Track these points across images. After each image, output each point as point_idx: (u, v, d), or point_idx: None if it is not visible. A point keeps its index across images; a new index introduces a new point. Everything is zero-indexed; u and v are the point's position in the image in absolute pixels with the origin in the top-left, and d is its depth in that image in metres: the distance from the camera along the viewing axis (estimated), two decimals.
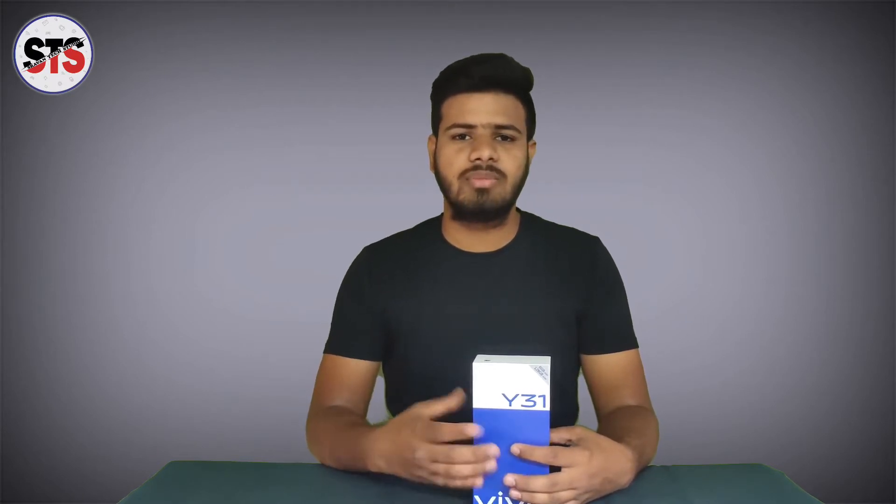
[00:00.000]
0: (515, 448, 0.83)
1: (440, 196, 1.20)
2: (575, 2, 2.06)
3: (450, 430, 0.84)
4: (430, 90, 1.20)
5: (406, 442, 0.87)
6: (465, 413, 0.86)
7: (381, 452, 0.91)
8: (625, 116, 2.06)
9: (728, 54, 2.05)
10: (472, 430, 0.83)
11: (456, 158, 1.12)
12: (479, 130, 1.10)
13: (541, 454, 0.83)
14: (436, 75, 1.19)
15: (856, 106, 2.06)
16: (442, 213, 1.24)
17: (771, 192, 2.09)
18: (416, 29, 2.03)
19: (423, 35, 2.02)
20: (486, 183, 1.10)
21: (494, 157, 1.10)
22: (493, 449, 0.82)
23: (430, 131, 1.21)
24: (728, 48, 2.05)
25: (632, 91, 2.06)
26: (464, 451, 0.83)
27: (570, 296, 1.18)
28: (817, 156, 2.08)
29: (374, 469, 0.92)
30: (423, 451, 0.85)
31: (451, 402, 0.87)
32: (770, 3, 2.04)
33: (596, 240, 1.25)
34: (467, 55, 1.16)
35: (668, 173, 2.08)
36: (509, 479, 0.83)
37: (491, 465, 0.82)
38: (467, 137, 1.12)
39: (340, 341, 1.19)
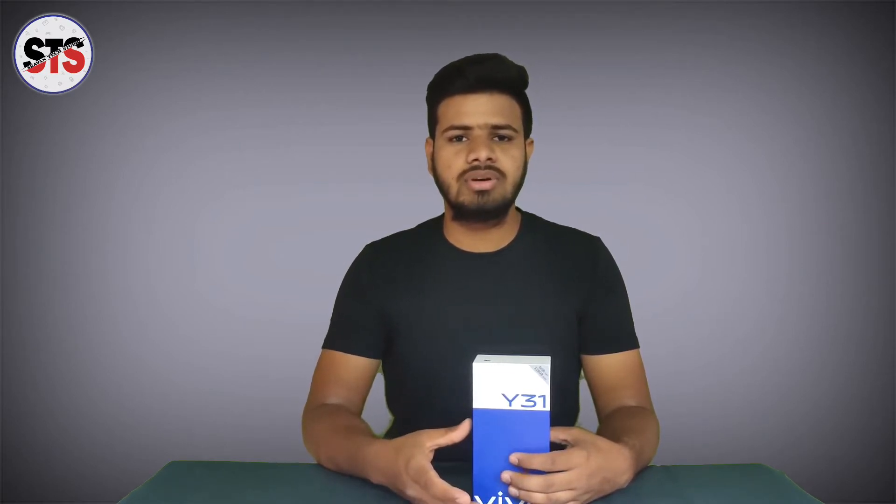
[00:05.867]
0: (514, 458, 0.84)
1: (441, 196, 1.20)
2: (575, 2, 2.06)
3: (441, 491, 0.81)
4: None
5: (398, 473, 0.86)
6: (464, 414, 0.86)
7: (379, 470, 0.91)
8: (625, 116, 2.06)
9: (728, 54, 2.05)
10: (462, 498, 0.81)
11: (454, 160, 1.12)
12: (476, 131, 1.10)
13: (539, 462, 0.83)
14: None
15: (856, 106, 2.06)
16: (443, 214, 1.24)
17: (771, 191, 2.09)
18: (416, 29, 2.03)
19: (423, 35, 2.02)
20: (485, 185, 1.10)
21: (492, 157, 1.10)
22: None
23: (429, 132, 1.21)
24: (728, 48, 2.05)
25: (632, 91, 2.06)
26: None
27: (570, 296, 1.18)
28: (817, 156, 2.08)
29: (374, 481, 0.92)
30: (413, 491, 0.85)
31: (455, 435, 0.86)
32: (770, 3, 2.04)
33: (597, 240, 1.25)
34: (467, 55, 1.15)
35: (669, 173, 2.08)
36: (505, 476, 0.84)
37: None
38: (464, 139, 1.12)
39: (340, 337, 1.19)
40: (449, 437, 0.86)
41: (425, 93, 1.20)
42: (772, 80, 2.06)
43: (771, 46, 2.05)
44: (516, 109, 1.14)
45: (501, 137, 1.11)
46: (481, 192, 1.11)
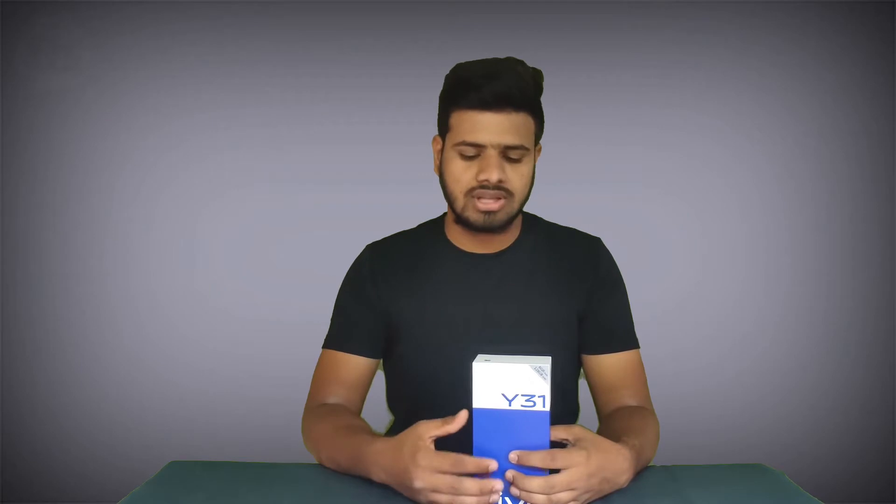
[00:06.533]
0: (513, 455, 0.84)
1: (442, 196, 1.19)
2: (575, 2, 2.06)
3: (474, 465, 0.83)
4: (431, 91, 1.18)
5: (405, 468, 0.86)
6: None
7: (382, 468, 0.91)
8: (625, 116, 2.06)
9: (728, 54, 2.05)
10: (492, 465, 0.82)
11: (463, 175, 1.10)
12: (489, 150, 1.08)
13: (538, 459, 0.83)
14: (437, 76, 1.17)
15: (856, 106, 2.06)
16: (444, 213, 1.24)
17: (771, 191, 2.09)
18: (416, 29, 2.03)
19: (425, 35, 2.02)
20: (493, 206, 1.09)
21: (503, 178, 1.08)
22: (498, 484, 0.82)
23: (432, 131, 1.20)
24: (728, 48, 2.05)
25: (632, 91, 2.06)
26: (470, 486, 0.82)
27: (571, 296, 1.18)
28: (817, 156, 2.08)
29: (377, 480, 0.92)
30: (422, 482, 0.84)
31: (452, 427, 0.85)
32: (770, 3, 2.04)
33: (598, 240, 1.25)
34: (469, 55, 1.14)
35: (668, 173, 2.08)
36: (508, 474, 0.84)
37: (495, 498, 0.82)
38: (476, 155, 1.09)
39: (339, 337, 1.19)
40: (445, 429, 0.86)
41: (427, 93, 1.20)
42: (772, 80, 2.06)
43: (771, 46, 2.05)
44: (530, 125, 1.10)
45: (513, 157, 1.09)
46: (488, 213, 1.10)
